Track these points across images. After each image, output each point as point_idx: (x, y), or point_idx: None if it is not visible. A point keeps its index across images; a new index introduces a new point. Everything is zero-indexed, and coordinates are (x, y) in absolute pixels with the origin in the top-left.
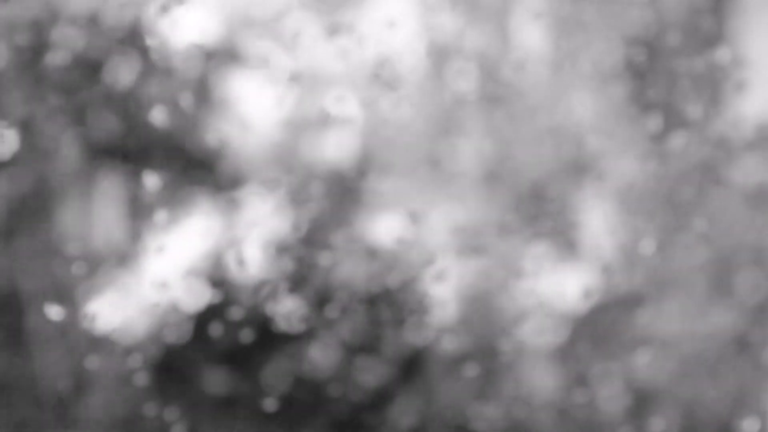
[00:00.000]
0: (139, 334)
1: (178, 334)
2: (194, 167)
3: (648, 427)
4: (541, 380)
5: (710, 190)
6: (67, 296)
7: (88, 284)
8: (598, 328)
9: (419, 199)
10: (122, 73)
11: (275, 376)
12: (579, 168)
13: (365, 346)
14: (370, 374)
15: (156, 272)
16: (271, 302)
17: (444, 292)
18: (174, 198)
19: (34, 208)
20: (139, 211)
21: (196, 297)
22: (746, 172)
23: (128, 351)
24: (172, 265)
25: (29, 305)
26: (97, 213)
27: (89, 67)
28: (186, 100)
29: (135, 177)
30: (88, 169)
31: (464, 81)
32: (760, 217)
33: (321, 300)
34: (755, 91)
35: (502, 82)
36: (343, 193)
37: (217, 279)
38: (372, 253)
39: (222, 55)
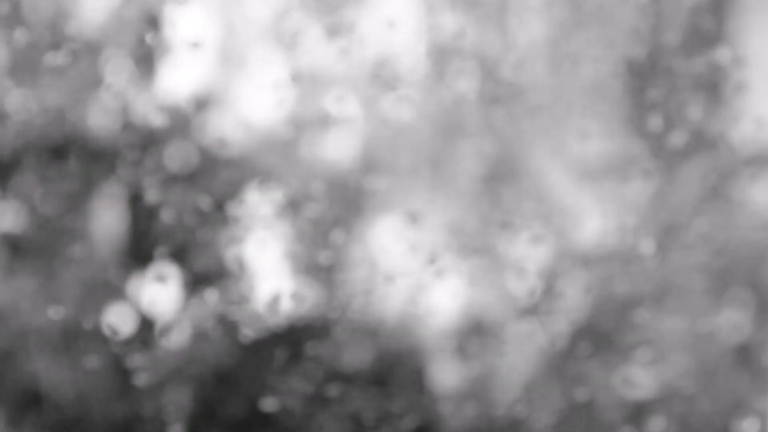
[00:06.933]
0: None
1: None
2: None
3: (648, 427)
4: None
5: (711, 191)
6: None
7: None
8: (597, 329)
9: (419, 199)
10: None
11: None
12: (577, 167)
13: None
14: None
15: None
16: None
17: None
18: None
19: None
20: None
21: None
22: (746, 172)
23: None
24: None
25: None
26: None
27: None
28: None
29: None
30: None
31: (464, 81)
32: (760, 217)
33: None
34: (755, 91)
35: (502, 82)
36: (343, 193)
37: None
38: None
39: (222, 56)
